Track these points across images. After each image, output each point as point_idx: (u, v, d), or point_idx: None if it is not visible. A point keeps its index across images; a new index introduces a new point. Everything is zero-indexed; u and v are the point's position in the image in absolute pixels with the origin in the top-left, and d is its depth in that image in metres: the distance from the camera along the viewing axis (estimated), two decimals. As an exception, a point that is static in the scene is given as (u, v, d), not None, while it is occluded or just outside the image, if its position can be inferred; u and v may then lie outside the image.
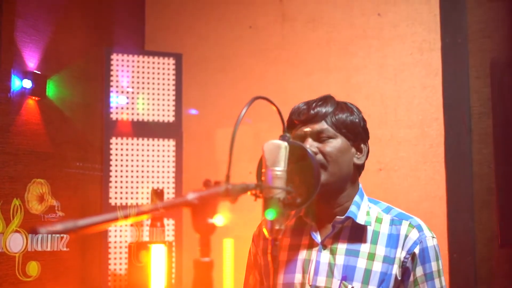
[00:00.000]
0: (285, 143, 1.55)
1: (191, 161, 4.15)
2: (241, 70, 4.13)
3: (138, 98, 4.04)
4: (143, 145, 4.01)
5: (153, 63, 4.09)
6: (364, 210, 1.94)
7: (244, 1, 4.18)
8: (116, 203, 3.91)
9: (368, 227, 1.90)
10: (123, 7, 4.33)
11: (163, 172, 4.03)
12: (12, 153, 3.33)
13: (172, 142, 4.07)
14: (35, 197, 3.43)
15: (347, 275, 1.85)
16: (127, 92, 4.01)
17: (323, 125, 1.90)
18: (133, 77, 4.03)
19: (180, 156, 4.09)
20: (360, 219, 1.90)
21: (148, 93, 4.06)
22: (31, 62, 3.48)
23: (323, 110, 1.92)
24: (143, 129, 4.02)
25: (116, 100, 3.98)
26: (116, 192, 3.91)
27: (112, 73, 3.98)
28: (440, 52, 3.52)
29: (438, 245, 1.92)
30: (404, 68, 3.62)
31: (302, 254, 1.94)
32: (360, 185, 2.00)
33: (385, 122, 3.61)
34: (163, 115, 4.07)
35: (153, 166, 4.01)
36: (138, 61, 4.06)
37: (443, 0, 3.55)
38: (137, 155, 3.99)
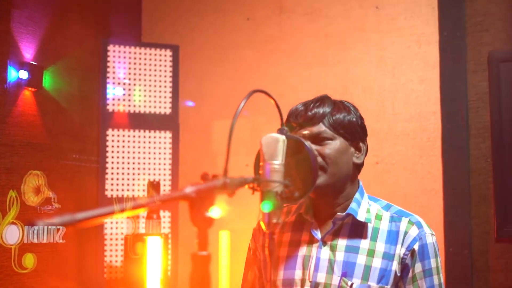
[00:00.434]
0: (283, 137, 1.54)
1: (187, 153, 4.15)
2: (239, 62, 4.12)
3: (134, 90, 4.03)
4: (139, 137, 4.00)
5: (150, 54, 4.08)
6: (364, 207, 1.95)
7: (241, -7, 4.17)
8: (112, 195, 3.90)
9: (368, 224, 1.91)
10: (120, -2, 4.32)
11: (159, 164, 4.02)
12: (9, 145, 3.32)
13: (168, 134, 4.06)
14: (31, 189, 3.43)
15: (347, 272, 1.85)
16: (124, 84, 4.00)
17: (321, 127, 1.90)
18: (129, 68, 4.02)
19: (176, 148, 4.08)
20: (361, 216, 1.91)
21: (145, 85, 4.05)
22: (28, 53, 3.47)
23: (321, 111, 1.91)
24: (140, 121, 4.01)
25: (113, 91, 3.97)
26: (112, 184, 3.91)
27: (108, 64, 3.97)
28: (438, 46, 3.52)
29: (437, 242, 1.93)
30: (402, 61, 3.62)
31: (302, 250, 1.95)
32: (361, 183, 2.01)
33: (383, 116, 3.60)
34: (160, 107, 4.06)
35: (149, 158, 4.00)
36: (135, 53, 4.04)
37: (442, -7, 3.54)
38: (134, 147, 3.98)
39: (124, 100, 3.99)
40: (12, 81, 3.35)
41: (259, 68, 4.05)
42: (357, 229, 1.92)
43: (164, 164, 4.03)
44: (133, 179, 3.96)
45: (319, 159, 1.86)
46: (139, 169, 3.98)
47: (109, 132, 3.93)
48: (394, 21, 3.67)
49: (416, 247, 1.88)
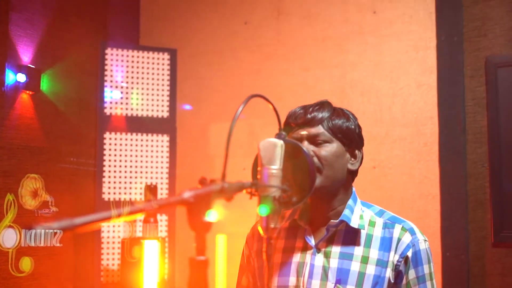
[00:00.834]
0: (281, 142, 1.54)
1: (185, 157, 4.14)
2: (236, 66, 4.12)
3: (132, 93, 4.03)
4: (137, 140, 4.00)
5: (148, 58, 4.08)
6: (357, 213, 1.95)
7: (239, -4, 4.17)
8: (109, 199, 3.90)
9: (362, 231, 1.92)
10: (118, 1, 4.32)
11: (156, 167, 4.02)
12: (6, 148, 3.32)
13: (166, 138, 4.06)
14: (29, 192, 3.42)
15: (341, 278, 1.86)
16: (122, 87, 4.00)
17: (319, 129, 1.92)
18: (127, 71, 4.02)
19: (174, 152, 4.08)
20: (354, 223, 1.92)
21: (143, 88, 4.05)
22: (26, 56, 3.46)
23: (320, 115, 1.93)
24: (137, 124, 4.02)
25: (111, 95, 3.97)
26: (109, 188, 3.91)
27: (106, 67, 3.97)
28: (436, 50, 3.52)
29: (429, 248, 1.94)
30: (400, 66, 3.62)
31: (296, 257, 1.95)
32: (354, 189, 2.02)
33: (380, 120, 3.61)
34: (158, 110, 4.06)
35: (146, 162, 4.00)
36: (132, 56, 4.05)
37: (439, -2, 3.55)
38: (131, 150, 3.98)
39: (121, 103, 3.99)
40: (9, 84, 3.34)
41: (256, 71, 4.05)
42: (351, 236, 1.93)
43: (162, 167, 4.03)
44: (131, 183, 3.95)
45: (315, 159, 1.88)
46: (136, 172, 3.98)
47: (107, 135, 3.93)
48: (392, 25, 3.67)
49: (409, 254, 1.89)
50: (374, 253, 1.89)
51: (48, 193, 3.55)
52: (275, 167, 1.52)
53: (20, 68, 3.39)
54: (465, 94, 3.42)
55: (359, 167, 2.01)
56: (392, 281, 1.88)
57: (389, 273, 1.87)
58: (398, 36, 3.65)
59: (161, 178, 4.02)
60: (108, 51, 3.98)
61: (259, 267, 2.05)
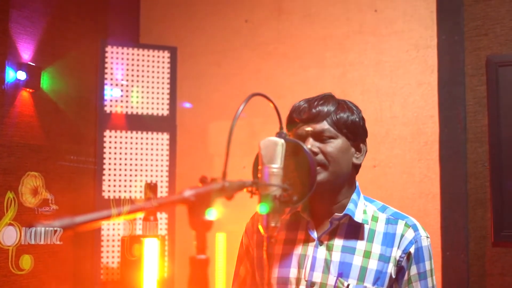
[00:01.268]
0: (282, 140, 1.54)
1: (185, 155, 4.14)
2: (237, 64, 4.12)
3: (132, 91, 4.02)
4: (137, 138, 4.00)
5: (148, 56, 4.07)
6: (361, 208, 1.96)
7: (240, -5, 4.17)
8: (109, 197, 3.90)
9: (365, 225, 1.92)
10: (119, -1, 4.32)
11: (156, 165, 4.02)
12: (6, 145, 3.31)
13: (166, 136, 4.06)
14: (29, 190, 3.42)
15: (343, 272, 1.86)
16: (122, 85, 4.00)
17: (324, 125, 1.91)
18: (127, 70, 4.02)
19: (174, 150, 4.08)
20: (358, 217, 1.92)
21: (143, 86, 4.04)
22: (26, 53, 3.46)
23: (325, 109, 1.92)
24: (137, 122, 4.01)
25: (111, 93, 3.97)
26: (109, 186, 3.90)
27: (106, 65, 3.96)
28: (436, 49, 3.52)
29: (431, 245, 1.94)
30: (400, 65, 3.62)
31: (298, 249, 1.95)
32: (357, 184, 2.02)
33: (380, 119, 3.61)
34: (158, 109, 4.06)
35: (146, 160, 4.00)
36: (132, 54, 4.04)
37: (440, -3, 3.55)
38: (131, 148, 3.97)
39: (121, 101, 3.99)
40: (10, 82, 3.34)
41: (257, 70, 4.04)
42: (354, 230, 1.93)
43: (162, 165, 4.03)
44: (130, 181, 3.95)
45: (321, 156, 1.88)
46: (136, 170, 3.97)
47: (107, 133, 3.93)
48: (393, 24, 3.67)
49: (412, 250, 1.89)
50: (377, 248, 1.89)
51: (48, 191, 3.55)
52: (276, 166, 1.51)
53: (20, 65, 3.39)
54: (466, 93, 3.41)
55: (363, 159, 2.01)
56: (394, 277, 1.89)
57: (391, 269, 1.88)
58: (398, 35, 3.65)
59: (161, 176, 4.02)
60: (108, 49, 3.97)
61: (258, 258, 2.05)
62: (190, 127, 4.18)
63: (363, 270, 1.86)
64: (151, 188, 3.72)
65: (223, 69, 4.15)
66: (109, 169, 3.91)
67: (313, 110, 1.92)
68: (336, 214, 1.92)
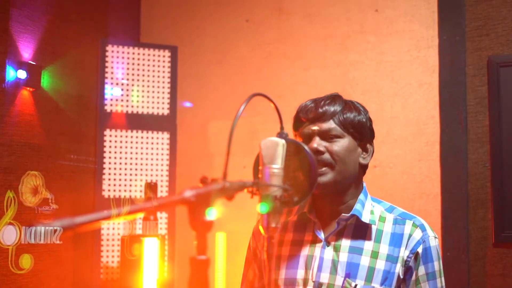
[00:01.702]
0: (283, 141, 1.54)
1: (185, 154, 4.14)
2: (237, 64, 4.11)
3: (132, 90, 4.02)
4: (137, 137, 3.99)
5: (148, 55, 4.07)
6: (368, 209, 1.96)
7: (241, -6, 4.16)
8: (109, 196, 3.89)
9: (372, 226, 1.92)
10: (119, -2, 4.31)
11: (157, 165, 4.02)
12: (6, 144, 3.31)
13: (166, 135, 4.06)
14: (29, 190, 3.42)
15: (351, 272, 1.86)
16: (122, 84, 3.99)
17: (331, 124, 1.91)
18: (128, 69, 4.01)
19: (174, 149, 4.07)
20: (365, 218, 1.92)
21: (143, 85, 4.04)
22: (26, 52, 3.46)
23: (332, 109, 1.92)
24: (138, 122, 4.01)
25: (111, 92, 3.96)
26: (109, 185, 3.90)
27: (107, 64, 3.96)
28: (438, 50, 3.52)
29: (439, 245, 1.94)
30: (401, 65, 3.62)
31: (305, 250, 1.96)
32: (364, 184, 2.02)
33: (381, 119, 3.60)
34: (158, 108, 4.05)
35: (147, 159, 4.00)
36: (133, 53, 4.03)
37: (441, -3, 3.54)
38: (131, 147, 3.97)
39: (122, 100, 3.98)
40: (10, 81, 3.34)
41: (257, 69, 4.04)
42: (361, 231, 1.93)
43: (162, 165, 4.02)
44: (131, 180, 3.95)
45: (327, 155, 1.88)
46: (136, 169, 3.97)
47: (107, 132, 3.92)
48: (394, 24, 3.67)
49: (419, 250, 1.89)
50: (384, 249, 1.89)
51: (48, 190, 3.55)
52: (277, 166, 1.51)
53: (20, 64, 3.38)
54: (467, 94, 3.41)
55: (370, 160, 2.01)
56: (402, 277, 1.89)
57: (398, 269, 1.88)
58: (399, 35, 3.65)
59: (161, 175, 4.01)
60: (109, 48, 3.97)
61: (265, 261, 2.05)
62: (191, 126, 4.17)
63: (371, 270, 1.86)
64: (151, 187, 3.71)
65: (223, 69, 4.14)
66: (109, 168, 3.90)
67: (320, 110, 1.92)
68: (343, 214, 1.93)
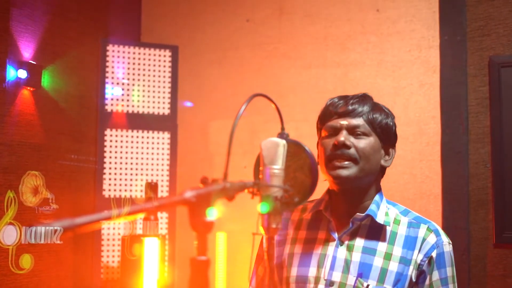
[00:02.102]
0: (284, 141, 1.54)
1: (185, 154, 4.14)
2: (238, 63, 4.11)
3: (133, 90, 4.02)
4: (137, 137, 3.99)
5: (149, 54, 4.07)
6: (383, 210, 1.97)
7: (242, -6, 4.16)
8: (110, 196, 3.89)
9: (387, 227, 1.93)
10: (120, -2, 4.31)
11: (157, 164, 4.01)
12: (6, 144, 3.31)
13: (167, 135, 4.05)
14: (29, 189, 3.41)
15: (363, 272, 1.87)
16: (123, 84, 3.99)
17: (360, 121, 1.94)
18: (128, 68, 4.01)
19: (174, 149, 4.07)
20: (380, 219, 1.93)
21: (144, 85, 4.04)
22: (27, 52, 3.45)
23: (361, 108, 1.95)
24: (138, 121, 4.00)
25: (111, 91, 3.96)
26: (110, 185, 3.89)
27: (107, 64, 3.96)
28: (439, 50, 3.51)
29: (453, 251, 1.95)
30: (402, 65, 3.61)
31: (318, 249, 1.97)
32: (381, 187, 2.03)
33: (382, 119, 3.59)
34: (158, 107, 4.05)
35: (147, 159, 3.99)
36: (133, 53, 4.03)
37: (442, -3, 3.54)
38: (132, 147, 3.97)
39: (122, 100, 3.98)
40: (10, 80, 3.33)
41: (258, 69, 4.04)
42: (375, 231, 1.94)
43: (162, 164, 4.02)
44: (131, 180, 3.94)
45: (353, 150, 1.90)
46: (137, 169, 3.97)
47: (107, 132, 3.92)
48: (395, 24, 3.66)
49: (434, 254, 1.90)
50: (398, 251, 1.90)
51: (49, 190, 3.54)
52: (277, 167, 1.51)
53: (21, 64, 3.38)
54: (468, 94, 3.40)
55: (390, 164, 2.03)
56: (414, 280, 1.89)
57: (411, 271, 1.88)
58: (401, 35, 3.64)
59: (162, 175, 4.01)
60: (109, 47, 3.97)
61: (278, 257, 2.06)
62: (191, 126, 4.17)
63: (383, 272, 1.87)
64: (152, 187, 3.71)
65: (224, 68, 4.14)
66: (110, 168, 3.90)
67: (350, 107, 1.95)
68: (357, 214, 1.94)
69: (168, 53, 4.11)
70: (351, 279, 1.87)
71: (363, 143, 1.91)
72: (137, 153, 3.97)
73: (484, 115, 3.35)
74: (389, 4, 3.69)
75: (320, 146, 1.99)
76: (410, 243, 1.91)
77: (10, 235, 3.28)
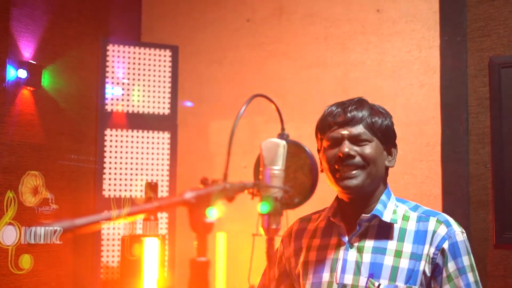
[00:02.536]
0: (284, 142, 1.54)
1: (185, 154, 4.13)
2: (238, 63, 4.11)
3: (133, 90, 4.01)
4: (137, 137, 3.98)
5: (149, 54, 4.06)
6: (391, 208, 1.98)
7: (242, -6, 4.16)
8: (110, 196, 3.89)
9: (395, 225, 1.93)
10: (120, -3, 4.31)
11: (157, 164, 4.01)
12: (6, 144, 3.30)
13: (167, 135, 4.05)
14: (29, 190, 3.41)
15: (374, 273, 1.88)
16: (123, 84, 3.99)
17: (360, 129, 1.94)
18: (128, 68, 4.00)
19: (174, 149, 4.07)
20: (386, 217, 1.94)
21: (144, 85, 4.03)
22: (27, 52, 3.45)
23: (360, 114, 1.96)
24: (138, 121, 4.00)
25: (112, 91, 3.96)
26: (110, 185, 3.89)
27: (108, 64, 3.95)
28: (439, 50, 3.51)
29: (467, 240, 1.94)
30: (402, 65, 3.61)
31: (331, 254, 1.99)
32: (388, 186, 2.05)
33: (382, 119, 3.59)
34: (159, 107, 4.05)
35: (147, 159, 3.99)
36: (134, 53, 4.03)
37: (443, -2, 3.53)
38: (132, 147, 3.96)
39: (122, 100, 3.98)
40: (10, 80, 3.33)
41: (258, 69, 4.03)
42: (384, 231, 1.95)
43: (162, 164, 4.02)
44: (131, 180, 3.94)
45: (358, 159, 1.91)
46: (137, 169, 3.96)
47: (107, 132, 3.92)
48: (395, 24, 3.66)
49: (445, 246, 1.89)
50: (408, 247, 1.91)
51: (48, 190, 3.54)
52: (278, 168, 1.51)
53: (21, 64, 3.38)
54: (468, 95, 3.40)
55: (394, 163, 2.05)
56: (428, 274, 1.89)
57: (423, 266, 1.88)
58: (401, 35, 3.64)
59: (162, 175, 4.01)
60: (110, 47, 3.96)
61: (294, 268, 2.09)
62: (191, 126, 4.17)
63: (395, 270, 1.88)
64: (152, 187, 3.70)
65: (224, 68, 4.14)
66: (110, 168, 3.90)
67: (349, 115, 1.95)
68: (363, 215, 1.95)
69: (168, 53, 4.10)
70: (362, 281, 1.89)
71: (367, 150, 1.93)
72: (137, 153, 3.97)
73: (484, 115, 3.35)
74: (390, 4, 3.68)
75: (323, 155, 1.98)
76: (420, 237, 1.92)
77: (9, 235, 3.28)
